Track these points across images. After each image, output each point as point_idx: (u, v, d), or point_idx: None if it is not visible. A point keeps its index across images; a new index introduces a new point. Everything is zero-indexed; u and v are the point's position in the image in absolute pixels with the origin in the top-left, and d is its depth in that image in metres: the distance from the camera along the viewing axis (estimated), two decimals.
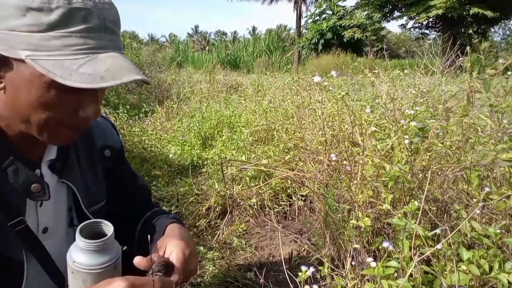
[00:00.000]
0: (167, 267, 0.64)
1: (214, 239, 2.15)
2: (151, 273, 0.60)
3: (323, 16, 29.47)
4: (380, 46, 25.18)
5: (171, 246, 0.69)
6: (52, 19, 0.55)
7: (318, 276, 1.49)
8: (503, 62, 1.00)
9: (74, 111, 0.62)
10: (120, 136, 0.96)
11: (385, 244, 1.08)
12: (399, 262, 1.11)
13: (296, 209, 2.45)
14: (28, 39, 0.55)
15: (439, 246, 0.99)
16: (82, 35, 0.56)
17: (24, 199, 0.68)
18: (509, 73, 1.21)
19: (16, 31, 0.55)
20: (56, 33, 0.55)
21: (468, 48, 1.20)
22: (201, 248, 1.98)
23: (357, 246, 1.38)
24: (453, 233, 0.96)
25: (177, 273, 0.65)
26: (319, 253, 1.64)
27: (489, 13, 17.90)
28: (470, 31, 19.12)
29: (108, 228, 0.63)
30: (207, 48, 48.31)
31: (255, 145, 3.25)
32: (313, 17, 30.17)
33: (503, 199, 1.07)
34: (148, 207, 0.94)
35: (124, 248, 0.64)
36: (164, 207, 1.97)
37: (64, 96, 0.59)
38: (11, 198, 0.66)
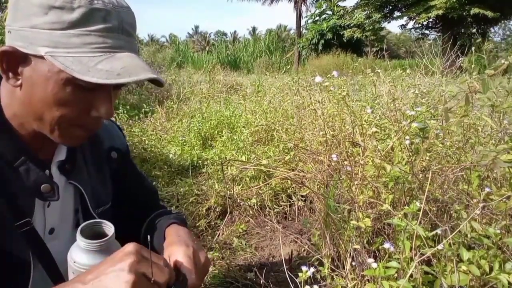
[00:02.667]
0: (180, 276, 0.64)
1: (214, 240, 2.15)
2: None
3: (323, 16, 29.48)
4: (380, 46, 25.20)
5: (174, 255, 0.69)
6: (74, 18, 0.56)
7: (318, 277, 1.49)
8: (504, 62, 1.00)
9: (87, 110, 0.63)
10: (124, 132, 0.97)
11: (386, 245, 1.08)
12: (399, 263, 1.11)
13: (296, 209, 2.45)
14: (49, 36, 0.57)
15: (440, 246, 0.99)
16: (101, 34, 0.58)
17: (33, 199, 0.69)
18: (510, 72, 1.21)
19: (38, 29, 0.57)
20: (76, 31, 0.57)
21: (472, 48, 1.20)
22: None
23: (357, 246, 1.38)
24: (454, 233, 0.96)
25: (192, 276, 0.65)
26: (319, 254, 1.64)
27: (489, 13, 17.90)
28: (470, 31, 19.12)
29: (109, 228, 0.63)
30: (207, 49, 48.32)
31: (255, 146, 3.25)
32: (313, 17, 30.19)
33: (503, 200, 1.07)
34: (154, 209, 0.94)
35: None
36: None
37: (79, 94, 0.61)
38: (20, 198, 0.66)
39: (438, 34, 20.87)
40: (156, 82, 0.63)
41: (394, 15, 22.68)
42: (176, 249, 0.70)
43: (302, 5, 29.02)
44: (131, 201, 0.92)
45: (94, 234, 0.61)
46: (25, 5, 0.57)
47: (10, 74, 0.61)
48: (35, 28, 0.57)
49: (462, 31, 19.65)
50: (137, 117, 4.44)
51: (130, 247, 0.55)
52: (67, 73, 0.57)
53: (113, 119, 0.95)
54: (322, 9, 29.44)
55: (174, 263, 0.67)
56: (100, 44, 0.58)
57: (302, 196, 2.39)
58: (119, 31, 0.61)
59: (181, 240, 0.73)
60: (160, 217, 0.89)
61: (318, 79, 1.46)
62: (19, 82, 0.61)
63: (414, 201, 1.14)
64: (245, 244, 2.16)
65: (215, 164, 2.95)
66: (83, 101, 0.62)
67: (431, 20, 21.19)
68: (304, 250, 2.05)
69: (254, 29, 61.11)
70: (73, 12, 0.56)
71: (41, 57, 0.57)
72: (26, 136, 0.67)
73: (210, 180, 2.75)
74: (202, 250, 0.74)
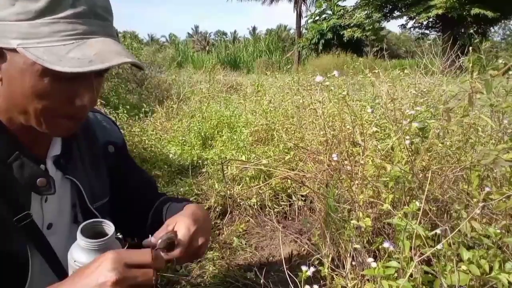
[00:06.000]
0: (171, 244, 0.65)
1: (214, 239, 2.15)
2: (155, 249, 0.61)
3: (323, 16, 29.48)
4: (380, 46, 25.19)
5: (179, 224, 0.69)
6: (40, 6, 0.55)
7: (318, 276, 1.49)
8: (503, 62, 1.00)
9: (69, 99, 0.62)
10: (123, 131, 0.97)
11: (386, 245, 1.08)
12: (399, 262, 1.11)
13: (296, 209, 2.45)
14: (18, 27, 0.56)
15: (439, 246, 0.99)
16: (70, 21, 0.57)
17: (29, 194, 0.68)
18: (510, 72, 1.21)
19: (7, 21, 0.56)
20: (44, 20, 0.56)
21: (470, 48, 1.20)
22: None
23: (358, 246, 1.38)
24: (453, 233, 0.96)
25: (178, 248, 0.66)
26: (319, 253, 1.64)
27: (489, 13, 17.91)
28: (471, 31, 19.12)
29: (109, 227, 0.63)
30: (207, 48, 48.32)
31: (255, 145, 3.25)
32: (313, 17, 30.17)
33: (503, 199, 1.07)
34: (154, 199, 0.94)
35: (126, 247, 0.64)
36: None
37: (58, 84, 0.59)
38: (16, 193, 0.66)
39: (438, 34, 20.88)
40: (137, 65, 0.62)
41: (394, 15, 22.68)
42: (184, 220, 0.70)
43: (302, 5, 29.01)
44: (131, 194, 0.92)
45: (95, 233, 0.61)
46: None
47: None
48: (4, 21, 0.56)
49: (462, 31, 19.65)
50: (137, 117, 4.44)
51: (108, 261, 0.53)
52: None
53: (111, 117, 0.95)
54: (322, 9, 29.43)
55: (173, 229, 0.68)
56: (70, 31, 0.57)
57: (302, 196, 2.39)
58: (90, 15, 0.59)
59: (193, 216, 0.72)
60: (169, 202, 0.89)
61: (318, 78, 1.46)
62: None
63: (414, 200, 1.14)
64: (245, 244, 2.16)
65: (215, 164, 2.95)
66: (64, 91, 0.61)
67: (431, 19, 21.20)
68: (304, 250, 2.05)
69: (254, 29, 61.11)
70: (38, 0, 0.55)
71: (15, 50, 0.56)
72: (17, 132, 0.67)
73: (210, 180, 2.75)
74: (205, 233, 0.73)
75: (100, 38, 0.59)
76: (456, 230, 0.98)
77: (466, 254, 1.04)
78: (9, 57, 0.58)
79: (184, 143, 3.75)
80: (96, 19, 0.60)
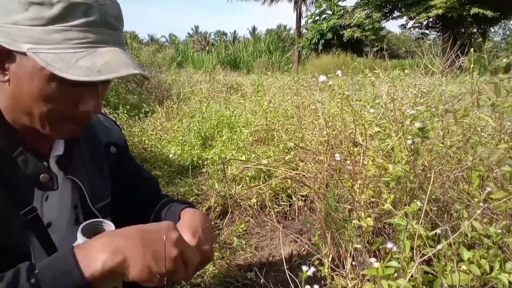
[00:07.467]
0: None
1: (215, 239, 2.15)
2: None
3: (323, 16, 29.51)
4: (380, 46, 25.18)
5: None
6: (53, 13, 0.56)
7: (319, 276, 1.49)
8: (507, 61, 1.00)
9: (74, 104, 0.63)
10: (124, 132, 0.97)
11: (389, 245, 1.08)
12: (399, 262, 1.10)
13: (296, 209, 2.45)
14: (30, 32, 0.56)
15: (440, 246, 0.99)
16: (82, 29, 0.57)
17: (32, 190, 0.69)
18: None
19: (19, 25, 0.56)
20: (56, 27, 0.56)
21: (471, 48, 1.20)
22: None
23: (358, 246, 1.38)
24: (456, 234, 0.96)
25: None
26: (319, 253, 1.64)
27: (489, 13, 17.91)
28: (470, 31, 19.13)
29: (109, 227, 0.63)
30: (207, 48, 48.35)
31: (255, 145, 3.25)
32: (313, 17, 30.20)
33: (504, 200, 1.07)
34: (157, 199, 0.94)
35: None
36: None
37: (65, 89, 0.60)
38: (21, 188, 0.67)
39: (438, 34, 20.88)
40: (144, 76, 0.63)
41: (394, 15, 22.68)
42: (183, 235, 0.68)
43: (302, 5, 29.02)
44: (133, 194, 0.92)
45: (95, 233, 0.61)
46: (6, 1, 0.57)
47: None
48: (16, 25, 0.56)
49: (462, 31, 19.66)
50: (137, 117, 4.44)
51: (169, 223, 0.59)
52: None
53: (112, 117, 0.95)
54: (322, 9, 29.46)
55: None
56: (81, 39, 0.57)
57: (302, 196, 2.39)
58: (102, 25, 0.59)
59: (191, 227, 0.71)
60: (169, 204, 0.89)
61: (322, 78, 1.46)
62: (6, 77, 0.61)
63: (415, 200, 1.14)
64: (245, 244, 2.16)
65: (215, 164, 2.95)
66: (70, 96, 0.62)
67: (431, 19, 21.19)
68: (304, 250, 2.05)
69: (254, 29, 61.16)
70: (52, 7, 0.56)
71: (25, 54, 0.57)
72: (20, 131, 0.67)
73: (210, 180, 2.75)
74: (207, 242, 0.71)
75: (110, 47, 0.60)
76: (459, 231, 0.98)
77: (466, 254, 1.04)
78: (19, 60, 0.59)
79: (184, 143, 3.75)
80: (107, 28, 0.60)
